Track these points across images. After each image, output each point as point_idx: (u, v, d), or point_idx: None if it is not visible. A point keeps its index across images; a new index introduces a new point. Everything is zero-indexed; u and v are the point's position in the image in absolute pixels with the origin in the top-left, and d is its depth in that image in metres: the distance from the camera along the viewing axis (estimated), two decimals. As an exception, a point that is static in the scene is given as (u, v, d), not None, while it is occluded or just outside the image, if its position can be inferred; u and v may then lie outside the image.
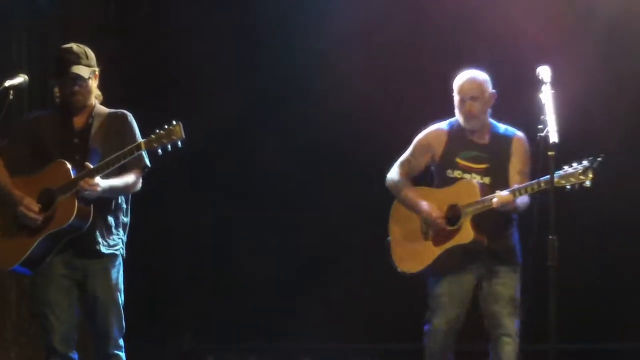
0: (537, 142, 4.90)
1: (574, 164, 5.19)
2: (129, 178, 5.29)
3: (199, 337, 7.97)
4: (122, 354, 5.36)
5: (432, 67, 7.22)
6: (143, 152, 5.28)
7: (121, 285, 5.36)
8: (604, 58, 6.85)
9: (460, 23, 7.14)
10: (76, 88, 5.28)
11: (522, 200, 5.42)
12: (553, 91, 4.89)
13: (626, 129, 6.85)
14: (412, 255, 5.69)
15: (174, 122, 5.12)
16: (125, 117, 5.41)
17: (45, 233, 5.18)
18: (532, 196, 5.37)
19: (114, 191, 5.27)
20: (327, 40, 7.29)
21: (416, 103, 7.19)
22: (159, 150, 5.13)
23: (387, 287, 7.34)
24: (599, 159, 5.14)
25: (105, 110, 5.41)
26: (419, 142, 5.80)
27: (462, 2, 7.10)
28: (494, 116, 5.76)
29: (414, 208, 5.68)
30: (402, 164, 5.80)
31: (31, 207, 5.19)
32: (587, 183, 5.16)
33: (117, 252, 5.37)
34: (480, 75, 5.67)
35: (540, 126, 4.76)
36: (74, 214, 5.13)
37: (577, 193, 5.21)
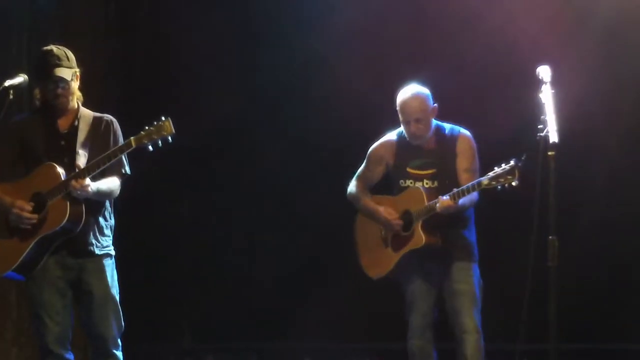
0: (537, 142, 4.90)
1: (503, 165, 5.36)
2: (112, 182, 5.30)
3: (199, 336, 7.97)
4: (120, 354, 5.36)
5: (432, 67, 7.22)
6: (124, 159, 5.32)
7: (116, 284, 5.36)
8: (604, 58, 6.85)
9: (460, 23, 7.14)
10: (59, 90, 5.27)
11: (465, 200, 5.59)
12: (553, 91, 4.87)
13: (626, 129, 6.85)
14: (376, 261, 5.96)
15: (163, 118, 5.14)
16: (111, 122, 5.40)
17: (38, 236, 5.17)
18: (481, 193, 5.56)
19: (101, 194, 5.26)
20: (327, 40, 7.29)
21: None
22: (150, 147, 5.13)
23: (387, 287, 7.33)
24: (523, 158, 5.26)
25: (90, 113, 5.40)
26: (371, 154, 6.01)
27: (462, 2, 7.10)
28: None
29: (372, 215, 5.92)
30: (359, 177, 6.04)
31: (25, 207, 5.18)
32: (514, 183, 5.32)
33: (110, 252, 5.38)
34: (421, 92, 5.81)
35: (540, 126, 4.75)
36: (67, 216, 5.12)
37: (505, 193, 5.38)
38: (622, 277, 6.92)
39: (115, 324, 5.32)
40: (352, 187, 6.08)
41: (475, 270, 5.78)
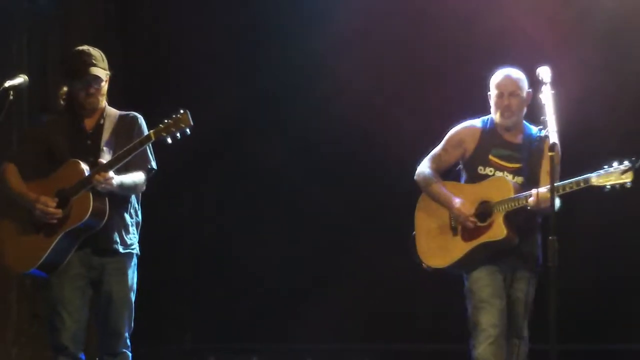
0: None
1: (615, 164, 5.15)
2: (137, 176, 5.34)
3: (201, 336, 7.97)
4: (130, 353, 5.41)
5: (432, 67, 7.23)
6: (149, 154, 5.38)
7: (135, 285, 5.43)
8: (604, 58, 6.85)
9: (460, 23, 7.14)
10: (92, 90, 5.33)
11: (557, 200, 5.15)
12: (553, 91, 4.87)
13: (626, 129, 6.84)
14: (439, 250, 5.59)
15: (182, 111, 5.21)
16: (135, 119, 5.46)
17: (62, 232, 5.23)
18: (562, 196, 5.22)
19: (125, 188, 5.30)
20: (327, 40, 7.29)
21: (416, 103, 7.20)
22: (169, 139, 5.19)
23: (387, 287, 7.36)
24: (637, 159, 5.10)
25: (115, 111, 5.46)
26: (452, 137, 5.69)
27: (462, 2, 7.10)
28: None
29: (445, 203, 5.57)
30: (433, 158, 5.70)
31: (48, 203, 5.23)
32: (628, 184, 5.13)
33: (133, 252, 5.43)
34: (519, 73, 5.55)
35: (540, 126, 4.75)
36: (90, 211, 5.18)
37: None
38: (622, 277, 6.92)
39: (128, 324, 5.39)
40: (423, 167, 5.71)
41: (535, 281, 5.52)
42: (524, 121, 5.59)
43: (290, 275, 7.53)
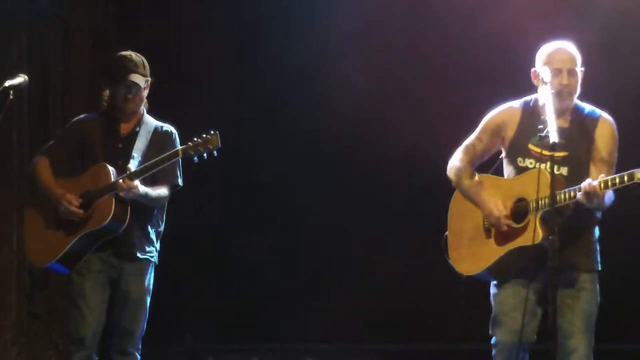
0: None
1: None
2: (162, 190, 5.48)
3: (200, 336, 7.96)
4: (139, 356, 5.52)
5: (432, 67, 7.22)
6: (178, 170, 5.51)
7: (151, 289, 5.53)
8: (604, 58, 6.84)
9: (460, 23, 7.14)
10: (130, 96, 5.44)
11: (609, 196, 4.71)
12: (553, 91, 4.78)
13: (626, 128, 6.83)
14: (471, 254, 4.95)
15: (212, 132, 5.30)
16: (170, 134, 5.58)
17: (82, 232, 5.37)
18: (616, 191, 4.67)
19: (149, 199, 5.42)
20: (327, 40, 7.29)
21: (416, 103, 7.20)
22: (195, 158, 5.32)
23: (387, 287, 7.35)
24: None
25: (152, 121, 5.58)
26: (487, 123, 5.02)
27: (462, 2, 7.10)
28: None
29: (476, 202, 4.92)
30: (467, 149, 5.02)
31: (72, 201, 5.36)
32: None
33: (152, 259, 5.54)
34: (574, 47, 4.94)
35: (540, 126, 4.72)
36: (111, 215, 5.30)
37: None
38: (622, 277, 6.90)
39: (141, 325, 5.50)
40: (455, 160, 5.02)
41: (595, 282, 4.86)
42: (576, 101, 4.98)
43: (290, 275, 7.52)
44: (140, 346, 5.52)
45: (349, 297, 7.38)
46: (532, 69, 4.98)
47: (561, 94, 4.82)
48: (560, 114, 4.80)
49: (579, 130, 4.85)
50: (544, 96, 4.76)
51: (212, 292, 7.75)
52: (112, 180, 5.32)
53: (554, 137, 4.52)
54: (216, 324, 7.75)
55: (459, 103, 6.74)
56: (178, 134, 5.61)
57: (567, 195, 4.67)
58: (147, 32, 7.85)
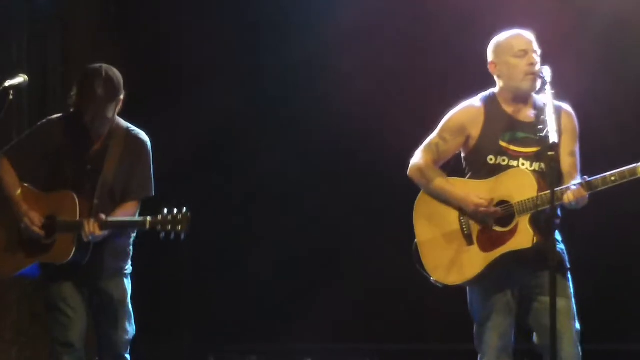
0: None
1: None
2: (130, 212, 5.24)
3: (200, 336, 7.97)
4: (129, 357, 5.38)
5: (432, 66, 7.23)
6: (152, 181, 5.29)
7: (129, 294, 5.38)
8: (604, 58, 6.85)
9: (461, 23, 7.14)
10: (97, 123, 5.18)
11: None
12: (553, 91, 4.74)
13: (626, 128, 6.85)
14: (452, 262, 4.77)
15: (185, 210, 5.10)
16: (144, 144, 5.31)
17: (38, 260, 5.22)
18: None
19: (118, 230, 5.24)
20: (327, 40, 7.29)
21: (416, 102, 7.20)
22: (162, 234, 5.08)
23: (387, 287, 7.35)
24: None
25: (123, 128, 5.31)
26: (450, 122, 4.90)
27: (462, 2, 7.10)
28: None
29: (455, 201, 4.76)
30: (430, 149, 4.89)
31: (35, 221, 5.18)
32: None
33: (126, 272, 5.39)
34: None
35: (540, 126, 4.72)
36: (70, 256, 5.13)
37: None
38: (622, 277, 6.92)
39: (130, 327, 5.35)
40: (417, 160, 4.90)
41: (570, 281, 4.81)
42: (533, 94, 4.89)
43: (290, 275, 7.53)
44: (129, 347, 5.37)
45: (349, 297, 7.38)
46: (491, 62, 4.87)
47: (528, 74, 4.73)
48: (518, 108, 4.77)
49: (544, 124, 4.61)
50: (544, 96, 4.70)
51: (213, 292, 7.75)
52: (77, 218, 5.12)
53: (554, 138, 4.47)
54: (216, 323, 7.75)
55: (459, 103, 6.73)
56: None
57: (544, 202, 4.57)
58: (147, 32, 7.86)
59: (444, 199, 4.83)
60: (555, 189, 4.47)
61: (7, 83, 5.18)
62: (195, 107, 7.57)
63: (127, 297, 5.36)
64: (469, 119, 4.88)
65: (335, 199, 7.52)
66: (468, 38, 7.10)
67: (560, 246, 4.81)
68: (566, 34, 6.87)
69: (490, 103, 4.88)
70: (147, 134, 5.40)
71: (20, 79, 5.24)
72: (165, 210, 5.09)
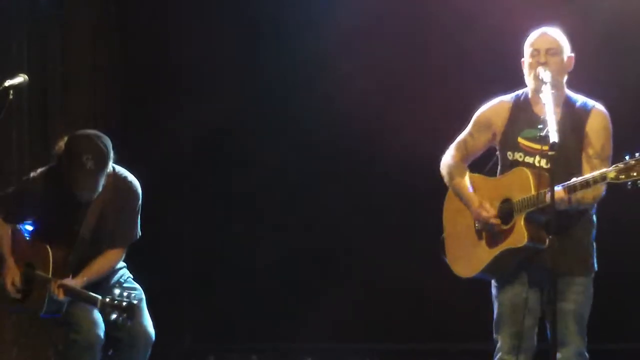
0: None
1: (637, 155, 4.44)
2: (113, 260, 5.37)
3: (200, 336, 7.97)
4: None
5: (432, 66, 7.22)
6: (138, 223, 5.36)
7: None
8: (604, 58, 6.85)
9: (461, 23, 7.14)
10: (86, 194, 5.24)
11: (587, 194, 4.60)
12: (553, 91, 4.74)
13: (626, 128, 6.84)
14: (465, 257, 4.89)
15: (135, 302, 5.16)
16: (130, 192, 5.36)
17: (18, 307, 5.42)
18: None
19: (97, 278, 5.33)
20: (327, 40, 7.29)
21: (417, 102, 7.20)
22: (113, 315, 5.15)
23: (387, 287, 7.35)
24: None
25: (111, 174, 5.32)
26: (478, 118, 4.94)
27: (462, 2, 7.10)
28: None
29: (465, 202, 4.86)
30: (459, 145, 4.94)
31: (15, 278, 5.30)
32: None
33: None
34: (560, 32, 4.86)
35: (540, 126, 4.71)
36: (44, 309, 5.24)
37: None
38: (622, 277, 6.91)
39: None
40: (447, 157, 4.95)
41: (588, 286, 4.79)
42: (568, 92, 4.89)
43: (290, 275, 7.52)
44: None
45: (349, 297, 7.37)
46: (522, 59, 4.91)
47: (539, 76, 4.72)
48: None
49: (569, 122, 4.74)
50: (545, 96, 4.69)
51: (213, 292, 7.75)
52: (50, 274, 5.22)
53: (554, 137, 4.49)
54: (216, 323, 7.75)
55: (460, 103, 6.72)
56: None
57: (537, 198, 4.60)
58: (146, 32, 7.86)
59: (460, 198, 4.93)
60: (540, 191, 4.56)
61: (7, 83, 5.18)
62: (195, 107, 7.57)
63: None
64: (495, 115, 4.91)
65: (335, 198, 7.51)
66: (468, 38, 7.11)
67: (584, 245, 4.79)
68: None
69: (521, 99, 4.90)
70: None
71: (20, 79, 5.24)
72: (117, 294, 5.17)
